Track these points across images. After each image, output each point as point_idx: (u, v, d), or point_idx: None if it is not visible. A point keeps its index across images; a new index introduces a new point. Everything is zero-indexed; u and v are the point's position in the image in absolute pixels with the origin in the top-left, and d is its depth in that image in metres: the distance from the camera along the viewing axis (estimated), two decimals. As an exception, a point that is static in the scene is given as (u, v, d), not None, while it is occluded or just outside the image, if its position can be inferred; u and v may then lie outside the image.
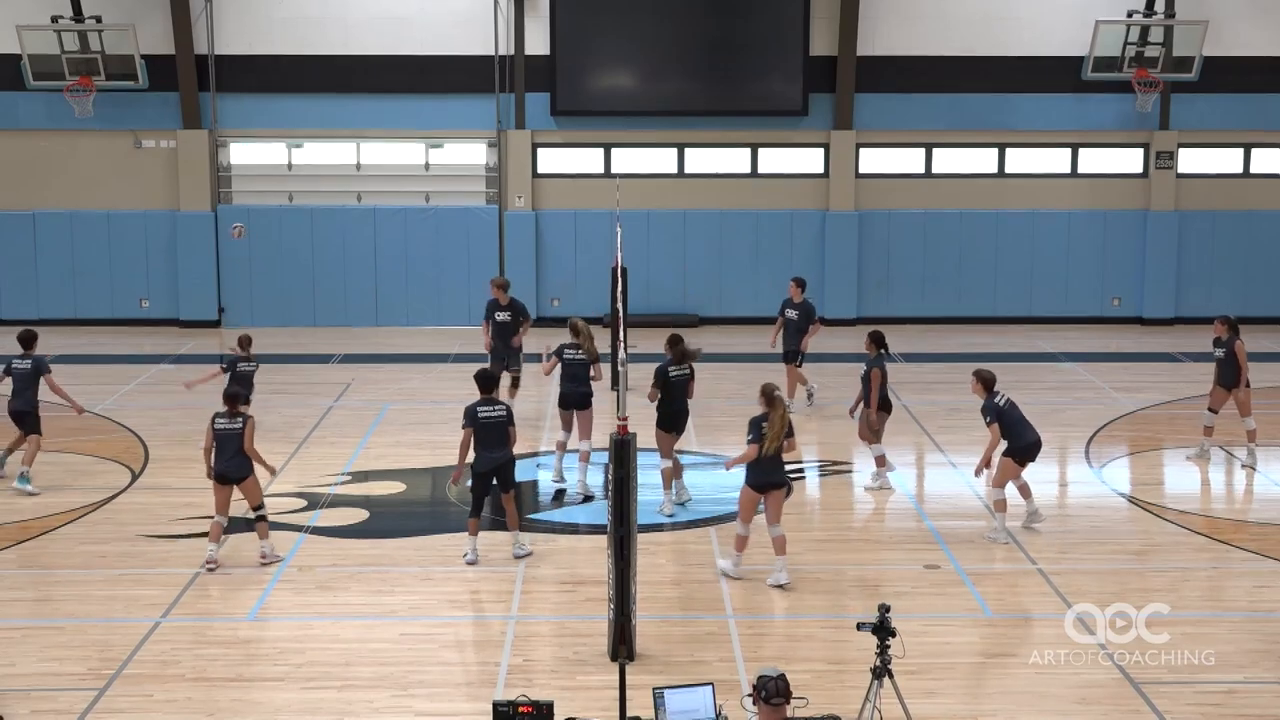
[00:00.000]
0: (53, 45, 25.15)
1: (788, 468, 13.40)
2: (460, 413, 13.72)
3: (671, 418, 15.31)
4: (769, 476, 13.03)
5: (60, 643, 11.77)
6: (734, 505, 14.25)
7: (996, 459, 14.25)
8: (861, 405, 16.31)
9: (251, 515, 13.77)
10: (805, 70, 25.81)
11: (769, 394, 13.05)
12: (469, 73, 26.00)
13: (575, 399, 16.01)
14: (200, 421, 18.58)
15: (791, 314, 19.53)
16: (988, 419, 14.22)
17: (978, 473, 14.55)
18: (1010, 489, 14.41)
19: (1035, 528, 14.57)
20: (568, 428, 16.20)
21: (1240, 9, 26.10)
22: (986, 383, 14.46)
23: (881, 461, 16.27)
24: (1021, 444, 14.31)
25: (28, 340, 16.54)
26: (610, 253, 22.44)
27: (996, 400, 14.32)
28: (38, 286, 26.25)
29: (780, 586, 13.00)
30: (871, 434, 16.22)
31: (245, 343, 18.14)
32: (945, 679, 11.05)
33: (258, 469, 13.75)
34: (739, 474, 13.44)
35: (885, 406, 16.20)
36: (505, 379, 18.73)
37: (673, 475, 15.43)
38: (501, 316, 18.83)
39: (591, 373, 16.00)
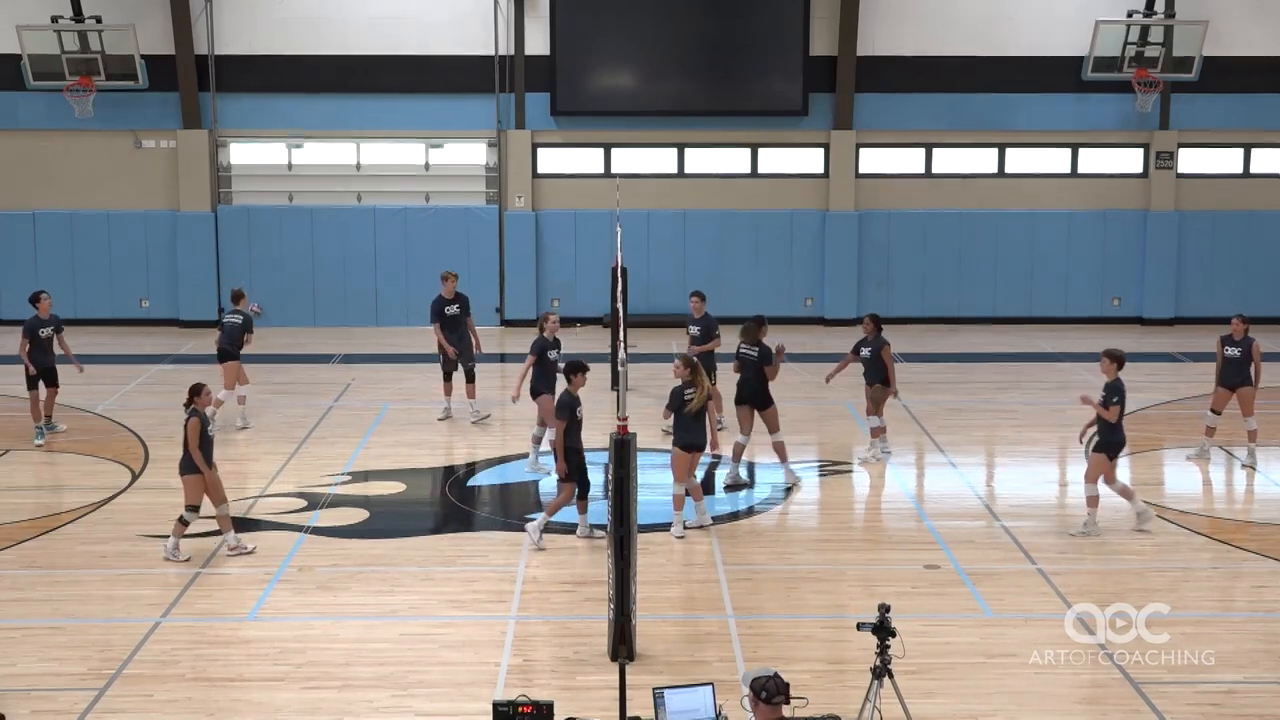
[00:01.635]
0: (53, 45, 25.14)
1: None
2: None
3: (738, 389, 16.16)
4: (695, 438, 14.18)
5: (60, 643, 11.77)
6: (733, 505, 14.39)
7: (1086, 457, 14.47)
8: (864, 380, 17.05)
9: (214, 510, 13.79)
10: (805, 70, 25.80)
11: (688, 361, 14.38)
12: (469, 73, 25.99)
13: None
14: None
15: (694, 330, 17.98)
16: (1114, 399, 14.17)
17: (1082, 437, 14.76)
18: (1104, 489, 14.39)
19: (1146, 528, 14.47)
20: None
21: (1240, 9, 26.09)
22: (1120, 362, 14.42)
23: (878, 433, 17.02)
24: (1119, 438, 14.34)
25: (37, 299, 18.72)
26: (610, 253, 22.43)
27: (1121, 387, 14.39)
28: (38, 286, 26.01)
29: (702, 527, 14.32)
30: (874, 407, 16.95)
31: (236, 297, 18.97)
32: (945, 679, 11.04)
33: (206, 470, 13.60)
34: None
35: (887, 383, 16.91)
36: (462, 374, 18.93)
37: (741, 452, 16.25)
38: (451, 310, 18.96)
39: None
